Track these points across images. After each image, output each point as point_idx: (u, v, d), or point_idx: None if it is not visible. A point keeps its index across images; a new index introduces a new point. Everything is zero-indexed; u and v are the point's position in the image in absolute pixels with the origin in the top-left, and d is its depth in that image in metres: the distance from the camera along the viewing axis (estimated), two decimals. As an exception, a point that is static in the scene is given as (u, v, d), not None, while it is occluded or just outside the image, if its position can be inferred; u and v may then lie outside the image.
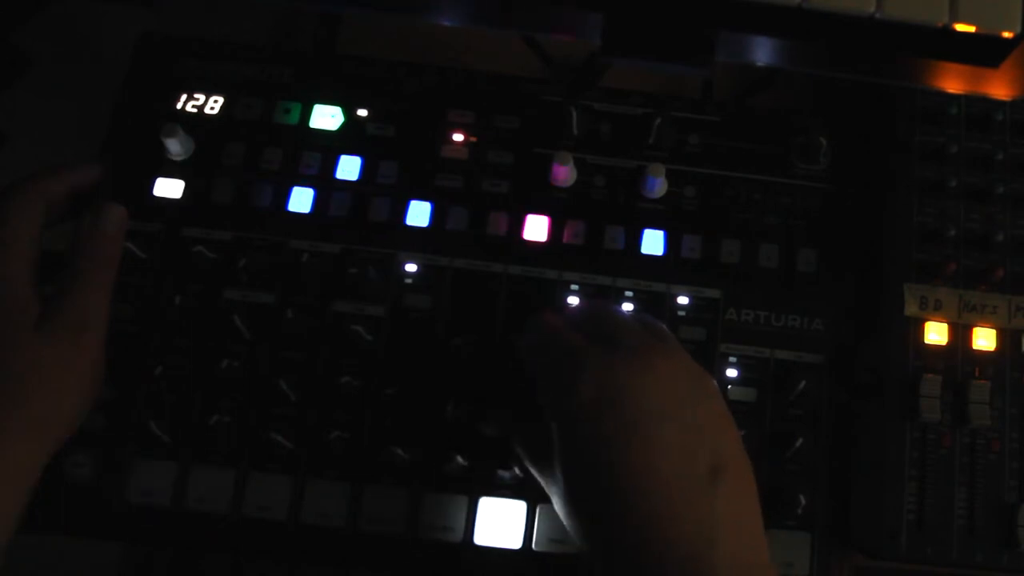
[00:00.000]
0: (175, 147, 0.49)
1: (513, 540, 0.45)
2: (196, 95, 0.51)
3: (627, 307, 0.48)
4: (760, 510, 0.38)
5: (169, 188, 0.49)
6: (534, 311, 0.43)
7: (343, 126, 0.51)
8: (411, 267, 0.49)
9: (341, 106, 0.51)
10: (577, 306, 0.44)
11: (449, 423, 0.46)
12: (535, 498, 0.46)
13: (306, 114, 0.51)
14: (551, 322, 0.41)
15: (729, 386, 0.48)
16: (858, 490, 0.47)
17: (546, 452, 0.39)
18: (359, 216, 0.49)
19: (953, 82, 0.47)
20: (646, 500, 0.35)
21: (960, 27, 0.42)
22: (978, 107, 0.51)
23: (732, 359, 0.48)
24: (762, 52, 0.47)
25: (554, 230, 0.50)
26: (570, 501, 0.38)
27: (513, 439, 0.43)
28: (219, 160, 0.50)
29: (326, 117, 0.51)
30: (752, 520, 0.37)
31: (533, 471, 0.42)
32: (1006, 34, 0.42)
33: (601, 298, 0.48)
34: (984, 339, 0.48)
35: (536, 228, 0.50)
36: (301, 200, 0.50)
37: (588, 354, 0.38)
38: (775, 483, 0.46)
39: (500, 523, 0.45)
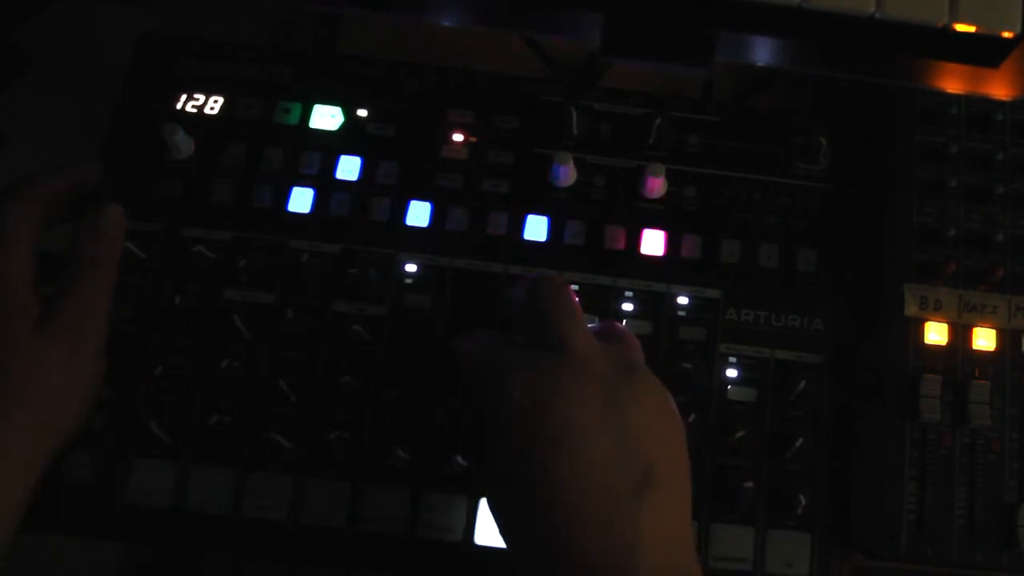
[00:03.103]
0: (175, 147, 0.49)
1: (513, 540, 0.45)
2: (196, 95, 0.51)
3: (627, 307, 0.48)
4: (690, 519, 0.38)
5: (169, 188, 0.49)
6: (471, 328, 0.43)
7: (343, 126, 0.51)
8: (411, 267, 0.49)
9: (341, 106, 0.51)
10: (518, 303, 0.42)
11: (446, 423, 0.46)
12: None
13: (306, 114, 0.51)
14: (486, 334, 0.42)
15: (729, 386, 0.48)
16: (858, 490, 0.47)
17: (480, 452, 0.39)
18: (359, 216, 0.49)
19: (953, 82, 0.47)
20: (567, 510, 0.35)
21: (960, 27, 0.42)
22: (978, 107, 0.51)
23: (732, 359, 0.48)
24: (762, 52, 0.47)
25: (554, 230, 0.50)
26: (495, 504, 0.38)
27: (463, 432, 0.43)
28: (219, 160, 0.50)
29: (326, 117, 0.51)
30: (680, 531, 0.37)
31: (476, 467, 0.42)
32: (1006, 34, 0.42)
33: (555, 284, 0.41)
34: (984, 339, 0.48)
35: (536, 228, 0.50)
36: (301, 200, 0.50)
37: (520, 361, 0.38)
38: (775, 483, 0.46)
39: (500, 523, 0.45)
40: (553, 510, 0.35)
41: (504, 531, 0.38)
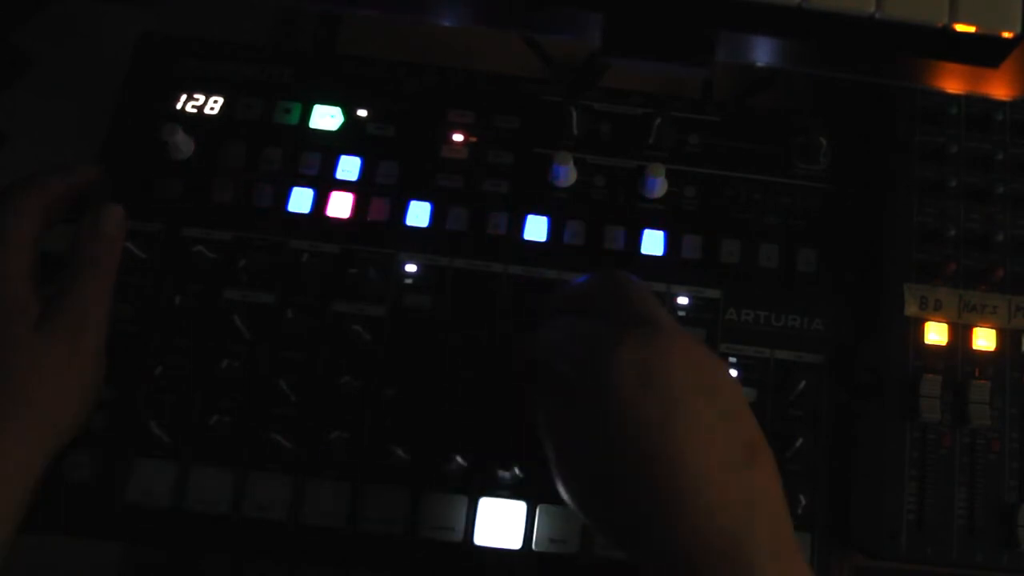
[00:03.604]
0: (175, 147, 0.49)
1: (513, 540, 0.45)
2: (196, 95, 0.51)
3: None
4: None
5: (169, 188, 0.49)
6: (544, 303, 0.43)
7: (343, 126, 0.51)
8: (411, 267, 0.49)
9: (341, 106, 0.51)
10: (592, 286, 0.42)
11: (454, 414, 0.46)
12: (535, 498, 0.46)
13: (306, 114, 0.51)
14: (567, 318, 0.40)
15: (729, 386, 0.48)
16: (858, 490, 0.47)
17: (571, 442, 0.38)
18: (359, 216, 0.49)
19: (953, 82, 0.47)
20: (686, 478, 0.35)
21: (960, 27, 0.42)
22: (978, 107, 0.51)
23: (732, 359, 0.48)
24: (762, 52, 0.47)
25: (554, 230, 0.50)
26: (601, 484, 0.37)
27: (538, 422, 0.41)
28: (219, 160, 0.50)
29: (326, 117, 0.51)
30: (782, 500, 0.37)
31: (553, 462, 0.39)
32: (1006, 34, 0.42)
33: (614, 271, 0.43)
34: (984, 339, 0.48)
35: (536, 228, 0.50)
36: (301, 200, 0.50)
37: (618, 335, 0.37)
38: (775, 483, 0.46)
39: (500, 523, 0.45)
40: (670, 477, 0.34)
41: (604, 510, 0.37)
